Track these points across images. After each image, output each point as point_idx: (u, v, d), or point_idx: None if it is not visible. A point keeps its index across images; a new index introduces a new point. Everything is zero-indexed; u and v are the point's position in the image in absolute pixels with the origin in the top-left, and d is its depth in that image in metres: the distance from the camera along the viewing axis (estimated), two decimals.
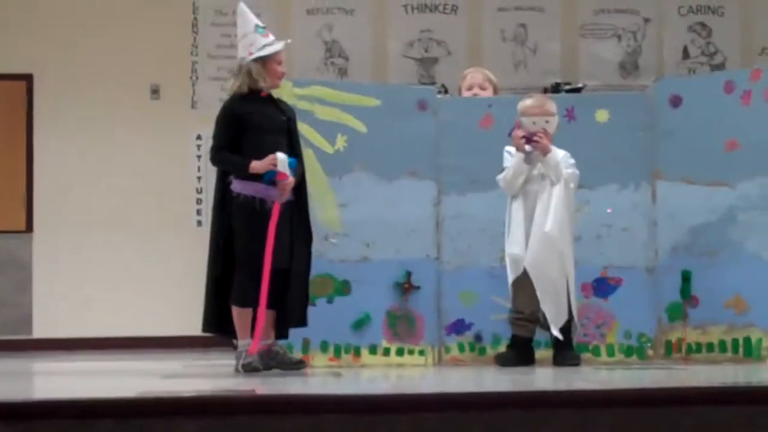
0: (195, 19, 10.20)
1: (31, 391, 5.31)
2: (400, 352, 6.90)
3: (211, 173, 10.04)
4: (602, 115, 7.19)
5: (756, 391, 4.10)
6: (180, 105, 10.15)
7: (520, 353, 6.67)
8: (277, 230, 6.09)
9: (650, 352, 7.03)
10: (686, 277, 6.98)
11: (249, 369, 6.03)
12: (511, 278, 6.69)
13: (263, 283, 6.04)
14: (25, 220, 10.05)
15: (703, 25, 10.45)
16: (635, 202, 7.13)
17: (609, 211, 7.11)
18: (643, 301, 7.06)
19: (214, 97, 10.12)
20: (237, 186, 6.19)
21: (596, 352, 7.03)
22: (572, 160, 6.73)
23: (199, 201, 10.07)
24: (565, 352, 6.60)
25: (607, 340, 7.04)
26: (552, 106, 6.81)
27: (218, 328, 6.29)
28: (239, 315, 6.15)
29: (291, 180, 6.16)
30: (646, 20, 10.43)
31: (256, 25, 6.33)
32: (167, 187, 10.04)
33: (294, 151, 6.29)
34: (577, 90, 9.50)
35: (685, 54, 10.42)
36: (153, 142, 10.06)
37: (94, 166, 10.03)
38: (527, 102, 6.83)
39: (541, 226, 6.55)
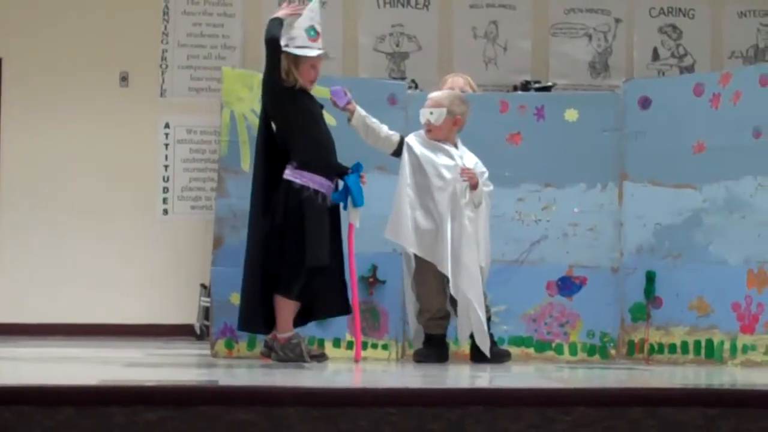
0: (166, 6, 10.13)
1: None
2: (363, 346, 6.89)
3: (178, 162, 10.07)
4: (571, 115, 7.21)
5: (717, 393, 4.12)
6: (149, 93, 10.09)
7: (436, 350, 6.65)
8: (321, 225, 6.27)
9: (613, 351, 7.06)
10: (650, 278, 7.01)
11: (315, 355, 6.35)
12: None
13: (353, 290, 6.47)
14: None
15: (673, 27, 10.48)
16: (602, 203, 7.16)
17: (576, 210, 7.14)
18: (607, 301, 7.09)
19: (183, 85, 10.09)
20: (295, 176, 6.29)
21: (559, 350, 7.05)
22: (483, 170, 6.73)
23: (165, 189, 10.02)
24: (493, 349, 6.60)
25: (570, 339, 7.06)
26: (444, 99, 6.75)
27: (265, 325, 6.33)
28: (287, 306, 6.27)
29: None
30: (617, 20, 10.45)
31: (311, 26, 6.40)
32: (134, 175, 9.98)
33: None
34: (547, 89, 9.52)
35: (655, 55, 10.45)
36: (121, 130, 10.00)
37: (62, 152, 9.95)
38: None
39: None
